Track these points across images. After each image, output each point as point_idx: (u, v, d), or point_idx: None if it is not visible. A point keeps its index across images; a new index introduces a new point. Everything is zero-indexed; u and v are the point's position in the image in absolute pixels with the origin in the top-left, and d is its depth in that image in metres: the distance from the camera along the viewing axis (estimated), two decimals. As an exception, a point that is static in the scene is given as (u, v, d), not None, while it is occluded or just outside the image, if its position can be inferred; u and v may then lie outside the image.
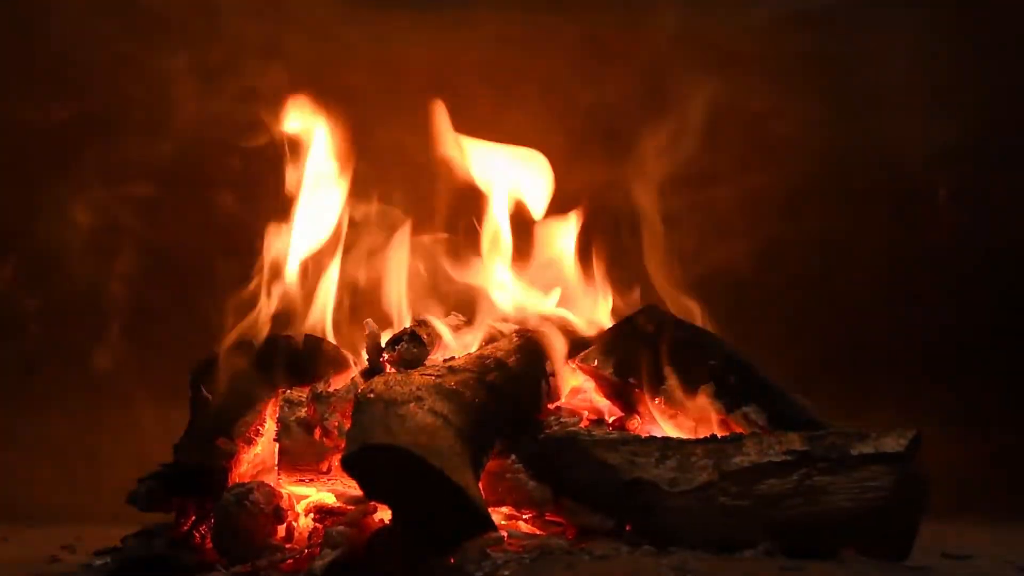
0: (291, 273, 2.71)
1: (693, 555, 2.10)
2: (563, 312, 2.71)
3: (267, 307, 2.69)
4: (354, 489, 2.14)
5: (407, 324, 2.60)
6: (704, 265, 3.28)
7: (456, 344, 2.56)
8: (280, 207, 2.80)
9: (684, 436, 2.38)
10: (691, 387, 2.44)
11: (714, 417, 2.42)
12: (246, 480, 2.36)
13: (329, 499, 2.34)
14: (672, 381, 2.45)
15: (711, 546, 2.13)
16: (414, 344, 2.43)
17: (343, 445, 2.09)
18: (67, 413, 3.49)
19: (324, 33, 3.75)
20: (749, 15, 3.77)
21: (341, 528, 2.17)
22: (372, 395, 2.08)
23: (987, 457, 3.48)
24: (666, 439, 2.31)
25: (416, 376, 2.18)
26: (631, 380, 2.50)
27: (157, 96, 3.70)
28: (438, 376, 2.18)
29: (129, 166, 3.69)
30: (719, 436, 2.28)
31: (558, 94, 3.57)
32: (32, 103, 3.69)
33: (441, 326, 2.58)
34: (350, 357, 2.55)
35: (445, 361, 2.34)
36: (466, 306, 2.72)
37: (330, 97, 3.66)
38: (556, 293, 2.76)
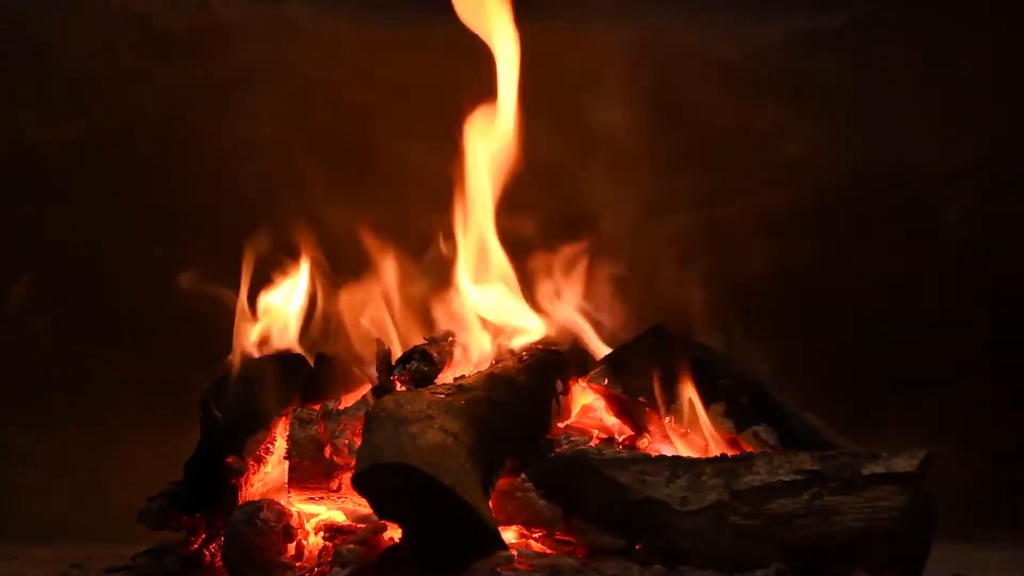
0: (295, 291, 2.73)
1: (704, 574, 2.10)
2: (573, 330, 2.72)
3: (274, 325, 2.70)
4: (364, 507, 2.14)
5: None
6: (713, 284, 3.28)
7: (466, 362, 2.57)
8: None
9: (694, 455, 2.38)
10: (702, 406, 2.44)
11: (725, 436, 2.42)
12: (256, 498, 2.36)
13: (339, 517, 2.34)
14: (682, 400, 2.45)
15: (722, 565, 2.13)
16: (424, 362, 2.44)
17: (353, 463, 2.09)
18: (78, 431, 3.49)
19: (334, 52, 3.77)
20: (760, 34, 3.78)
21: (351, 546, 2.17)
22: (383, 413, 2.09)
23: (1000, 477, 3.47)
24: (676, 458, 2.30)
25: (426, 394, 2.18)
26: (641, 399, 2.50)
27: (169, 114, 3.71)
28: (448, 395, 2.18)
29: (140, 184, 3.70)
30: (729, 455, 2.28)
31: (567, 112, 3.58)
32: (44, 121, 3.71)
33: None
34: (361, 375, 2.56)
35: (455, 379, 2.34)
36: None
37: (340, 115, 3.69)
38: (564, 311, 2.76)
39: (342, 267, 2.80)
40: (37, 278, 3.57)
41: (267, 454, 2.47)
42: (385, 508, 1.98)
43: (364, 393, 2.45)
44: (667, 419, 2.47)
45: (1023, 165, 3.75)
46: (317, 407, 2.40)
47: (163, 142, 3.70)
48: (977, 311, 3.68)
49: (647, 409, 2.49)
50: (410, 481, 1.91)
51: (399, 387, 2.42)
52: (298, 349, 2.66)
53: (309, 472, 2.31)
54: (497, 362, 2.53)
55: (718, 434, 2.43)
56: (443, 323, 2.68)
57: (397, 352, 2.56)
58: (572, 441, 2.39)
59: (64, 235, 3.66)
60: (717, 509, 2.17)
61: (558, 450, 2.34)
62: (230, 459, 2.41)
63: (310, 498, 2.33)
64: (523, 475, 2.27)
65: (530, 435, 2.36)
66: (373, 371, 2.50)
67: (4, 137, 3.71)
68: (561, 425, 2.51)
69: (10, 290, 3.55)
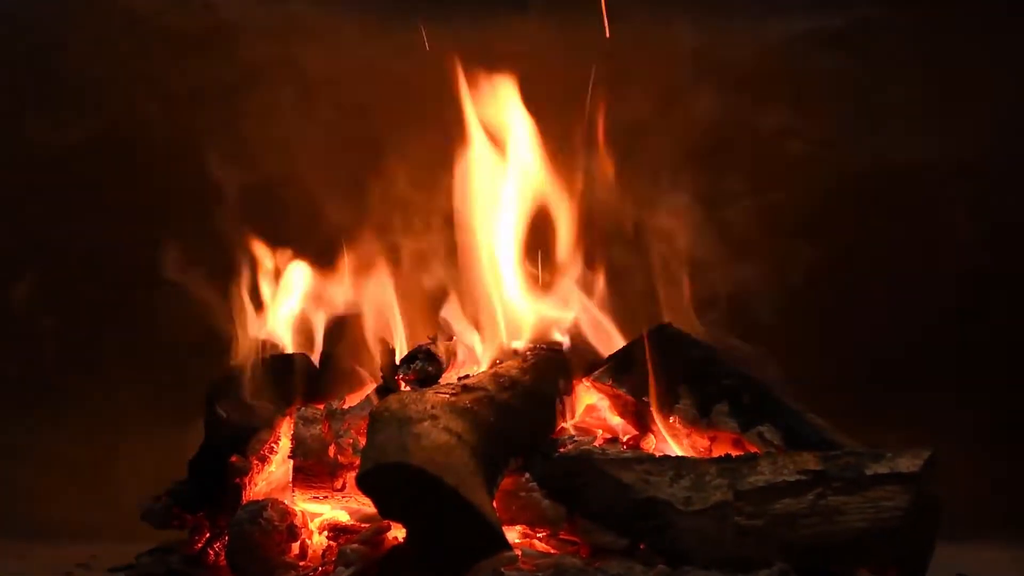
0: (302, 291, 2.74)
1: (707, 574, 2.10)
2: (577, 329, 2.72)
3: (279, 325, 2.70)
4: (368, 507, 2.15)
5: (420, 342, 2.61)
6: (718, 283, 3.27)
7: (471, 362, 2.57)
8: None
9: (698, 455, 2.38)
10: (705, 406, 2.44)
11: (728, 436, 2.42)
12: (260, 497, 2.36)
13: (343, 517, 2.34)
14: (686, 400, 2.45)
15: (725, 565, 2.13)
16: (429, 362, 2.44)
17: (358, 463, 2.10)
18: (83, 430, 3.50)
19: (340, 49, 3.77)
20: (765, 34, 3.77)
21: (355, 546, 2.17)
22: (387, 413, 2.09)
23: (1004, 477, 3.46)
24: (680, 458, 2.30)
25: (431, 394, 2.18)
26: (645, 399, 2.50)
27: (176, 116, 3.71)
28: (453, 394, 2.18)
29: (145, 183, 3.71)
30: (733, 455, 2.28)
31: (573, 112, 3.57)
32: (50, 123, 3.71)
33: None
34: (365, 374, 2.56)
35: (460, 379, 2.34)
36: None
37: (345, 112, 3.69)
38: (571, 311, 2.76)
39: (346, 265, 2.80)
40: (42, 278, 3.57)
41: (271, 453, 2.47)
42: (389, 508, 1.98)
43: (368, 393, 2.45)
44: (671, 419, 2.47)
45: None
46: (321, 407, 2.40)
47: (168, 142, 3.70)
48: (983, 310, 3.67)
49: (651, 409, 2.49)
50: (414, 481, 1.91)
51: (403, 387, 2.42)
52: (302, 348, 2.66)
53: (313, 471, 2.32)
54: (501, 362, 2.53)
55: (721, 434, 2.43)
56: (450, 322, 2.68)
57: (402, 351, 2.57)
58: (576, 441, 2.39)
59: (69, 235, 3.66)
60: (721, 509, 2.17)
61: (562, 450, 2.34)
62: (234, 458, 2.41)
63: (314, 497, 2.33)
64: (527, 475, 2.28)
65: (534, 435, 2.36)
66: (377, 370, 2.50)
67: (10, 138, 3.72)
68: (565, 425, 2.51)
69: (15, 289, 3.55)
